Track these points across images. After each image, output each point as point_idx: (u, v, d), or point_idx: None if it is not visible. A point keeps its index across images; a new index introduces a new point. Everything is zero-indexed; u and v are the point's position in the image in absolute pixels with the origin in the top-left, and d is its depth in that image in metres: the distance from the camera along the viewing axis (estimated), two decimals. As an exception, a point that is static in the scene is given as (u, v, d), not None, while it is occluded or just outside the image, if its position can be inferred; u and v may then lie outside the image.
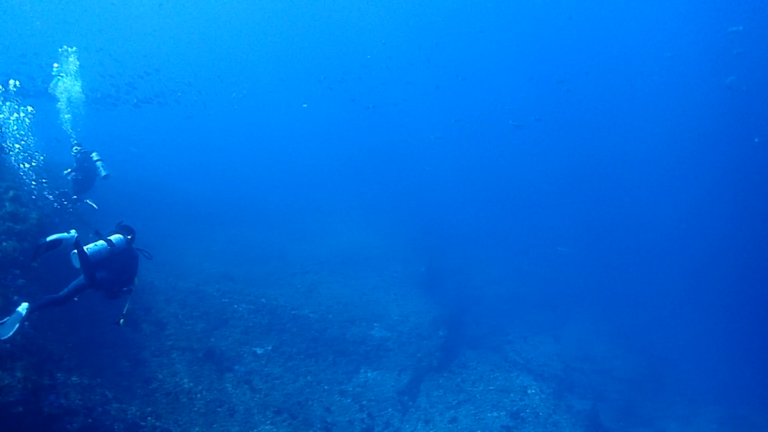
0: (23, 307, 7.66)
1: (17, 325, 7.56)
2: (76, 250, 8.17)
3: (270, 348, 15.75)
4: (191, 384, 12.89)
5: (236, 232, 26.39)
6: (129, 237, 9.16)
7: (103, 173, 14.39)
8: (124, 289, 8.86)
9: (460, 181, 41.55)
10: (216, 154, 38.09)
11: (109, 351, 12.01)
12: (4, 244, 10.27)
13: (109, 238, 8.82)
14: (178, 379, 12.85)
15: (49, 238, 8.10)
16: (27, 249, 10.68)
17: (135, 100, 32.12)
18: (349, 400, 14.80)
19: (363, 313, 18.66)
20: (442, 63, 43.56)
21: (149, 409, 11.03)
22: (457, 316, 21.09)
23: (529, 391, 16.49)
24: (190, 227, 25.39)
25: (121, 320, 8.66)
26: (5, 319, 7.57)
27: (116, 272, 8.72)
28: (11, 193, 11.79)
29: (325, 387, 15.05)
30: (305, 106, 42.66)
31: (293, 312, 17.56)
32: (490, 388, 16.50)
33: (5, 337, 7.44)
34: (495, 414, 15.27)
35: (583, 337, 22.29)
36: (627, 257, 34.32)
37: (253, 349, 15.55)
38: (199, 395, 12.66)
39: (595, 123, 45.83)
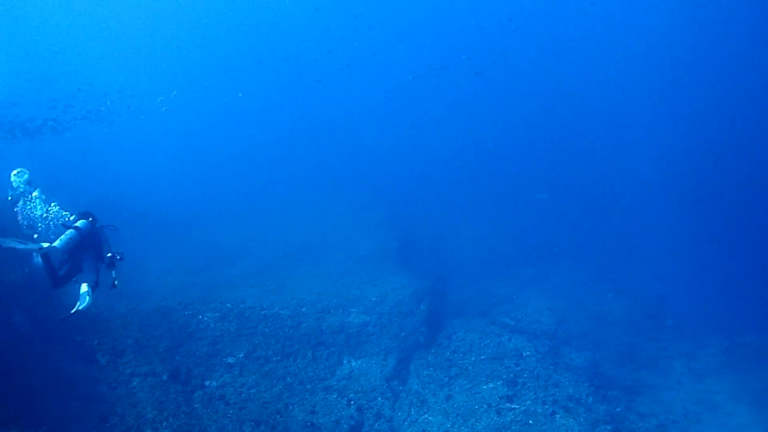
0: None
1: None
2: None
3: (242, 355, 14.60)
4: (155, 412, 11.69)
5: (198, 237, 25.07)
6: (90, 219, 10.04)
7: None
8: (117, 258, 9.98)
9: (422, 143, 40.37)
10: (158, 162, 36.72)
11: (56, 392, 10.76)
12: None
13: (75, 225, 9.70)
14: (140, 410, 11.64)
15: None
16: None
17: (74, 120, 30.62)
18: (334, 396, 13.73)
19: (338, 300, 17.49)
20: (381, 23, 41.69)
21: (106, 451, 9.86)
22: (438, 286, 20.06)
23: (525, 354, 15.52)
24: (151, 240, 23.97)
25: (115, 282, 9.83)
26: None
27: (90, 250, 9.78)
28: None
29: (307, 386, 13.95)
30: (240, 95, 41.14)
31: (263, 312, 16.36)
32: (482, 357, 15.47)
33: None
34: (491, 385, 14.25)
35: (571, 287, 21.43)
36: (604, 198, 33.52)
37: (224, 359, 14.39)
38: (164, 423, 11.47)
39: (558, 63, 44.39)
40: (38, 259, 9.37)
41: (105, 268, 10.04)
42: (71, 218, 10.57)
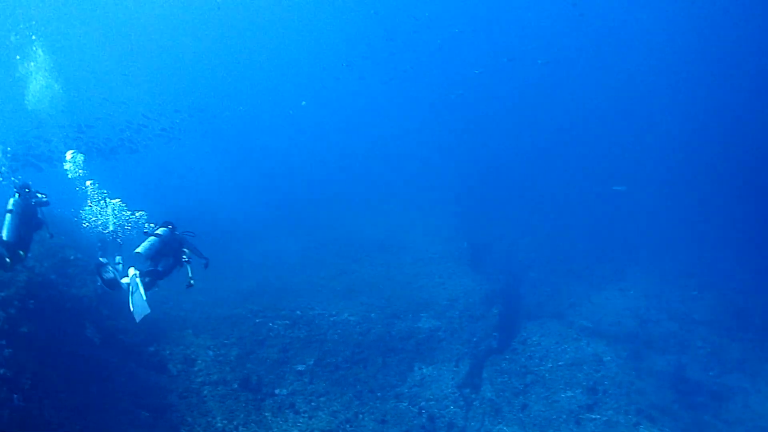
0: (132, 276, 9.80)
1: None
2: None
3: (312, 362, 14.47)
4: (225, 422, 11.67)
5: (269, 244, 25.23)
6: (171, 227, 10.68)
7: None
8: (184, 259, 10.58)
9: (490, 139, 39.45)
10: (226, 174, 37.87)
11: (125, 404, 10.87)
12: (-15, 315, 9.33)
13: (156, 232, 10.42)
14: (210, 419, 11.66)
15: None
16: (13, 316, 9.81)
17: (147, 140, 31.91)
18: (405, 404, 13.43)
19: (407, 305, 17.23)
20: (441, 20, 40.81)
21: (175, 462, 9.85)
22: (510, 288, 19.50)
23: (605, 359, 14.76)
24: (223, 249, 24.25)
25: (192, 281, 10.50)
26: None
27: (168, 254, 10.47)
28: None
29: (378, 394, 13.70)
30: (304, 104, 41.74)
31: (332, 318, 16.25)
32: (560, 363, 14.80)
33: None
34: (570, 393, 13.62)
35: (651, 284, 20.26)
36: (683, 188, 31.75)
37: (294, 367, 14.30)
38: (234, 433, 11.46)
39: (624, 49, 42.34)
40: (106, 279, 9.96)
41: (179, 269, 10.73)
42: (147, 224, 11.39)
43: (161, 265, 10.37)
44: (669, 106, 38.62)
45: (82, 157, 13.46)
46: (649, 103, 39.29)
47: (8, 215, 9.32)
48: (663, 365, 14.98)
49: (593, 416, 12.81)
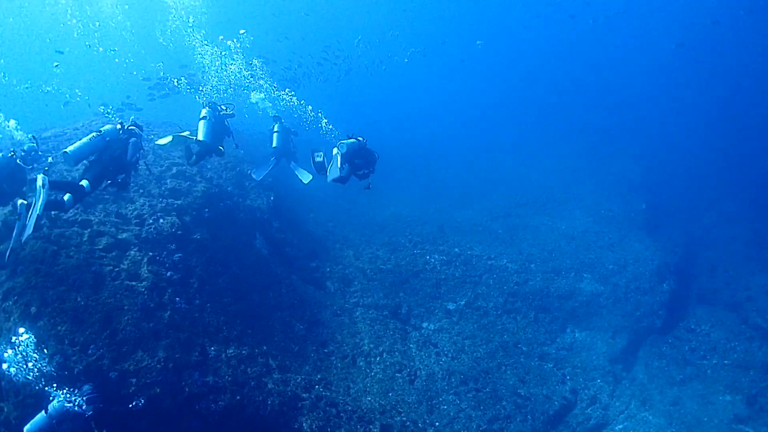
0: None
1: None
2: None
3: (463, 303, 14.43)
4: (372, 345, 12.06)
5: (432, 177, 25.02)
6: (364, 140, 11.65)
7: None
8: (370, 170, 11.71)
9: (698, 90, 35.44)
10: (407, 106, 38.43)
11: (282, 314, 11.49)
12: (162, 220, 10.34)
13: (358, 137, 11.63)
14: (357, 340, 12.09)
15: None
16: (187, 223, 10.74)
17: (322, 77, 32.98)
18: (550, 366, 13.06)
19: (571, 262, 16.43)
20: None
21: (318, 376, 10.31)
22: (686, 265, 17.86)
23: (776, 368, 13.23)
24: (386, 177, 24.43)
25: (369, 185, 11.67)
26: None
27: (366, 157, 11.65)
28: (174, 169, 12.34)
29: (524, 349, 13.40)
30: (479, 43, 40.21)
31: (489, 262, 15.95)
32: (725, 362, 13.48)
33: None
34: (728, 398, 12.43)
35: None
36: None
37: (445, 304, 14.36)
38: (378, 358, 11.78)
39: None
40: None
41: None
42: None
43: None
44: None
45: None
46: None
47: (203, 122, 10.49)
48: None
49: (746, 429, 11.64)
